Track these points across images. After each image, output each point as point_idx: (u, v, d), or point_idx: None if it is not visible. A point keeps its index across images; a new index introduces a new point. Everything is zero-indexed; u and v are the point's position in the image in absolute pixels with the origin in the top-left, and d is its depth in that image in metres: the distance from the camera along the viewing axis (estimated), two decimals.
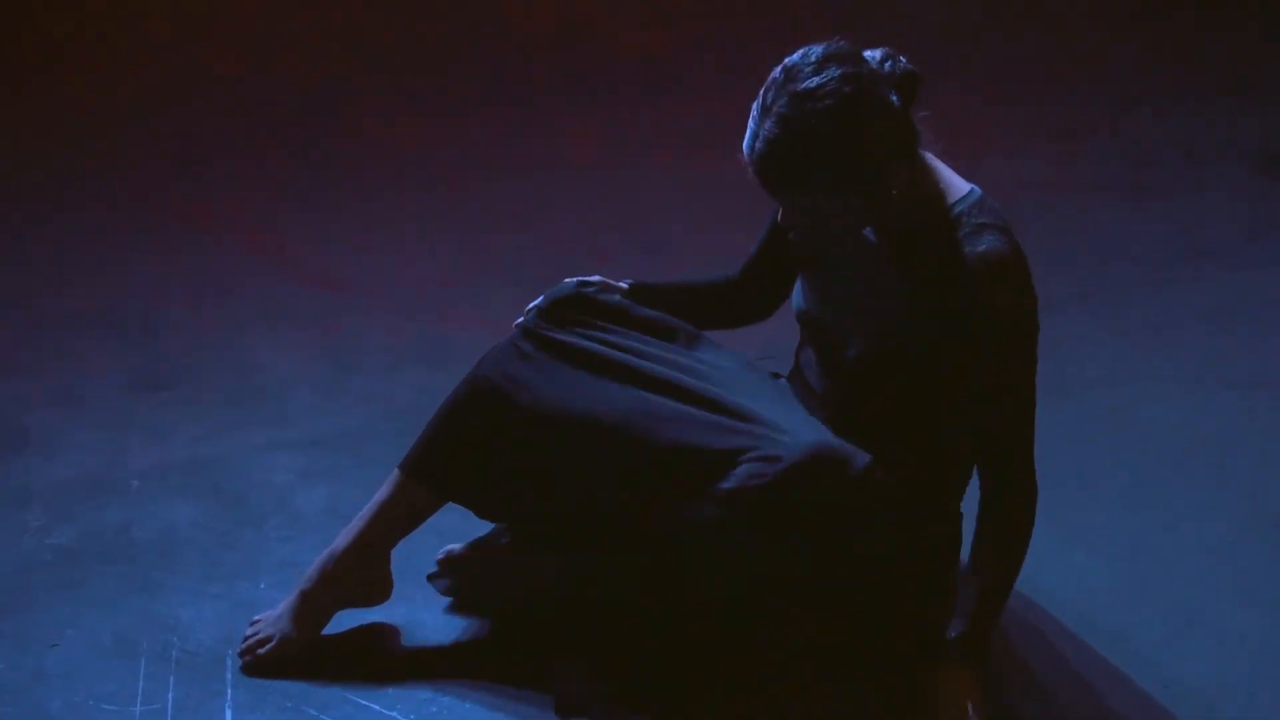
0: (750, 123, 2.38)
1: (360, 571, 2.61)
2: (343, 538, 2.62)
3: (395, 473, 2.63)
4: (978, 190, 2.51)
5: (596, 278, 2.70)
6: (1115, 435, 3.32)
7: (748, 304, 2.82)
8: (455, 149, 5.07)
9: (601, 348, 2.52)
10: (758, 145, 2.35)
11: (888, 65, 2.41)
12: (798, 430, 2.38)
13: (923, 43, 5.84)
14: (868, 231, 2.49)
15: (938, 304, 2.40)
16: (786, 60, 2.39)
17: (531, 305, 2.63)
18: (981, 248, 2.38)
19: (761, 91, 2.37)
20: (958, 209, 2.44)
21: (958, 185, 2.50)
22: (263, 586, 2.81)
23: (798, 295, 2.64)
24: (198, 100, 5.36)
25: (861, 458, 2.35)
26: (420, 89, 5.51)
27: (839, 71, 2.33)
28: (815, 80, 2.32)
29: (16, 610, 2.73)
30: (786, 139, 2.32)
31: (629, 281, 2.74)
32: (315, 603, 2.60)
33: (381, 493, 2.62)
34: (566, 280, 2.65)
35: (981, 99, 5.37)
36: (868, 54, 2.40)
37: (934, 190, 2.47)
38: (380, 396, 3.52)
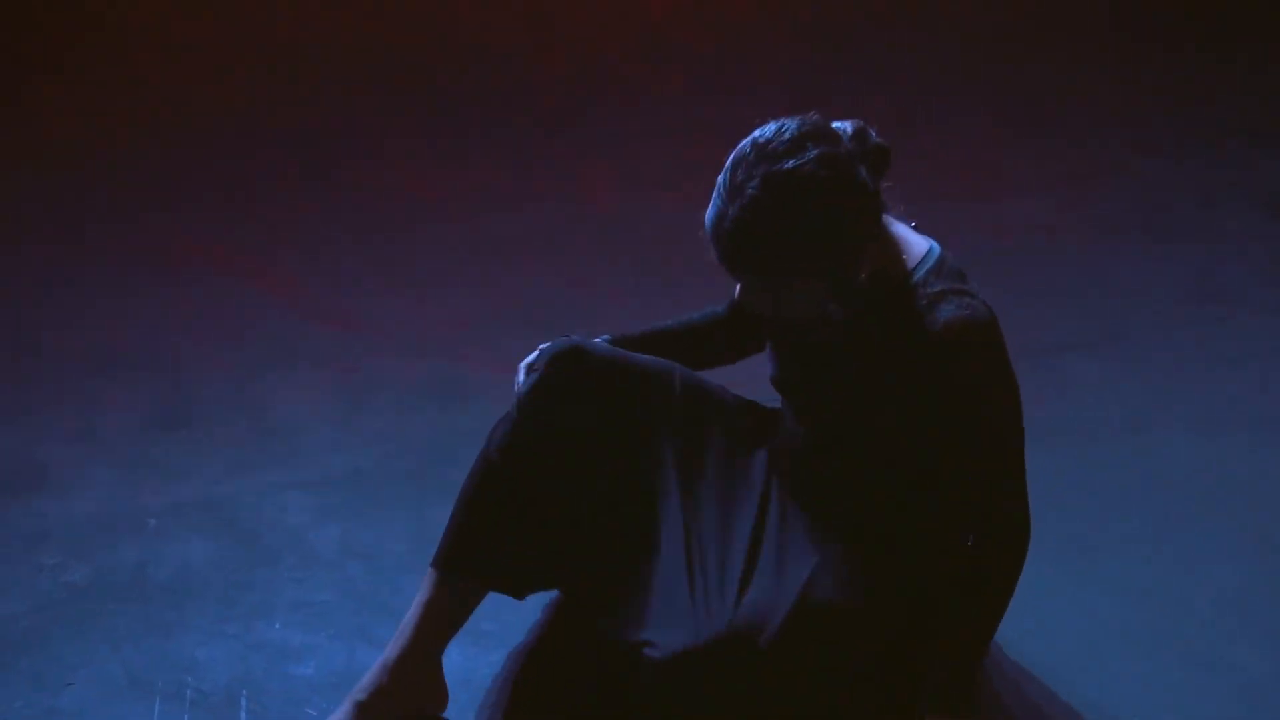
0: (715, 199, 2.28)
1: (414, 679, 2.51)
2: (392, 647, 2.52)
3: (430, 572, 2.54)
4: (936, 249, 2.44)
5: (576, 337, 2.63)
6: (1129, 478, 3.32)
7: (740, 339, 2.77)
8: (468, 187, 5.09)
9: (589, 433, 2.49)
10: (726, 225, 2.25)
11: (860, 141, 2.32)
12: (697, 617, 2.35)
13: (938, 81, 5.87)
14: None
15: (905, 378, 2.35)
16: (757, 134, 2.30)
17: (527, 363, 2.57)
18: (942, 318, 2.32)
19: (730, 166, 2.28)
20: (917, 275, 2.37)
21: (916, 247, 2.43)
22: (278, 626, 2.81)
23: (769, 361, 2.58)
24: (211, 139, 5.38)
25: (771, 626, 2.31)
26: (434, 127, 5.53)
27: (816, 152, 2.24)
28: (791, 162, 2.23)
29: (31, 648, 2.74)
30: (759, 223, 2.23)
31: (607, 336, 2.68)
32: (371, 716, 2.51)
33: (421, 594, 2.53)
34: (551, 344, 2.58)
35: (994, 139, 5.38)
36: (838, 126, 2.33)
37: (893, 257, 2.39)
38: (394, 436, 3.53)
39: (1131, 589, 2.91)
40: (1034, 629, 2.77)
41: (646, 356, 2.61)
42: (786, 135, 2.26)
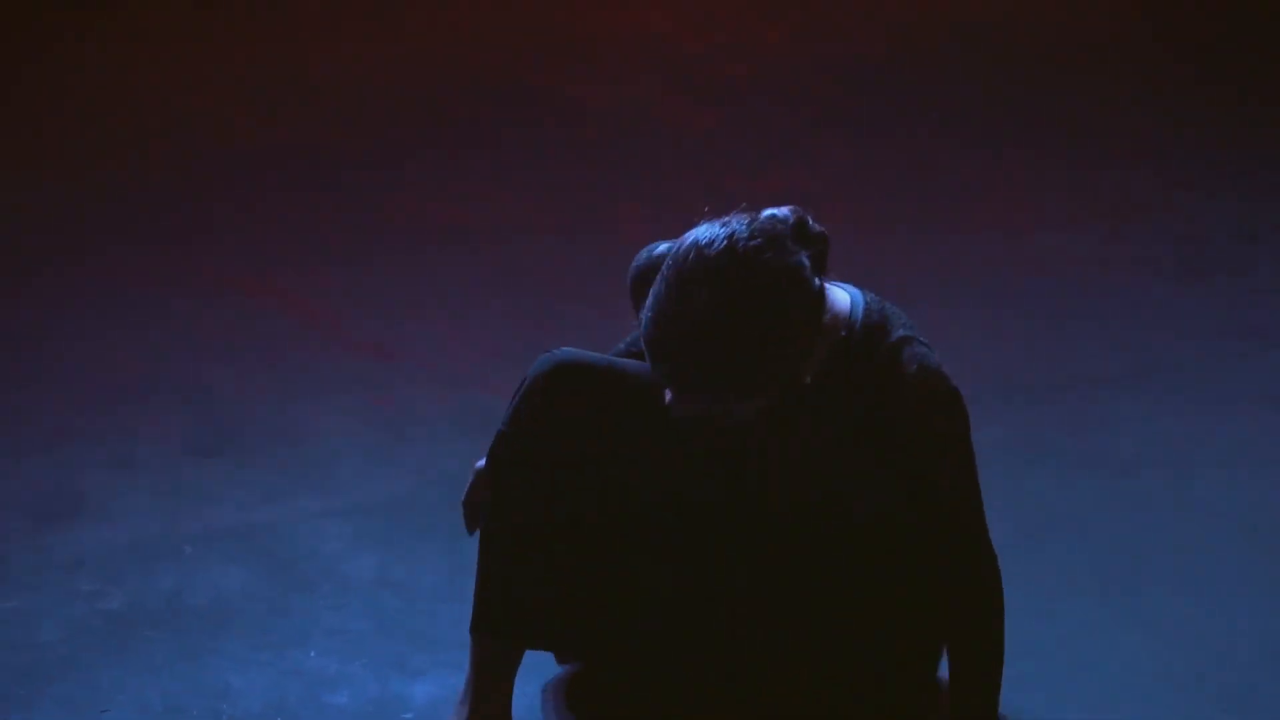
0: (654, 300, 2.11)
1: None
2: (458, 713, 2.45)
3: (471, 638, 2.46)
4: (858, 295, 2.31)
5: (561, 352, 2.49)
6: (1167, 515, 3.29)
7: None
8: (504, 216, 5.11)
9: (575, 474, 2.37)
10: (669, 344, 2.09)
11: (802, 235, 2.17)
12: None
13: (972, 113, 5.86)
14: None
15: (870, 439, 2.24)
16: (698, 236, 2.12)
17: (517, 392, 2.45)
18: (911, 371, 2.22)
19: (673, 279, 2.10)
20: (858, 329, 2.25)
21: (839, 302, 2.28)
22: (312, 654, 2.81)
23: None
24: (247, 164, 5.41)
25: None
26: (470, 156, 5.55)
27: (768, 259, 2.09)
28: (741, 274, 2.07)
29: (66, 675, 2.74)
30: (705, 342, 2.08)
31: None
32: None
33: (469, 663, 2.46)
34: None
35: (1032, 173, 5.37)
36: (779, 214, 2.17)
37: (829, 326, 2.24)
38: (429, 465, 3.53)
39: (1170, 628, 2.89)
40: (1069, 667, 2.75)
41: (636, 364, 2.42)
42: (738, 239, 2.10)
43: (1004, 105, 5.97)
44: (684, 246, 2.13)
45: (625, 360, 2.42)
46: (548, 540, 2.39)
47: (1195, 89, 6.24)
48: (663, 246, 2.36)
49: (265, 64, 6.35)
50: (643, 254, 2.45)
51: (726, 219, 2.14)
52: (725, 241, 2.10)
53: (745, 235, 2.11)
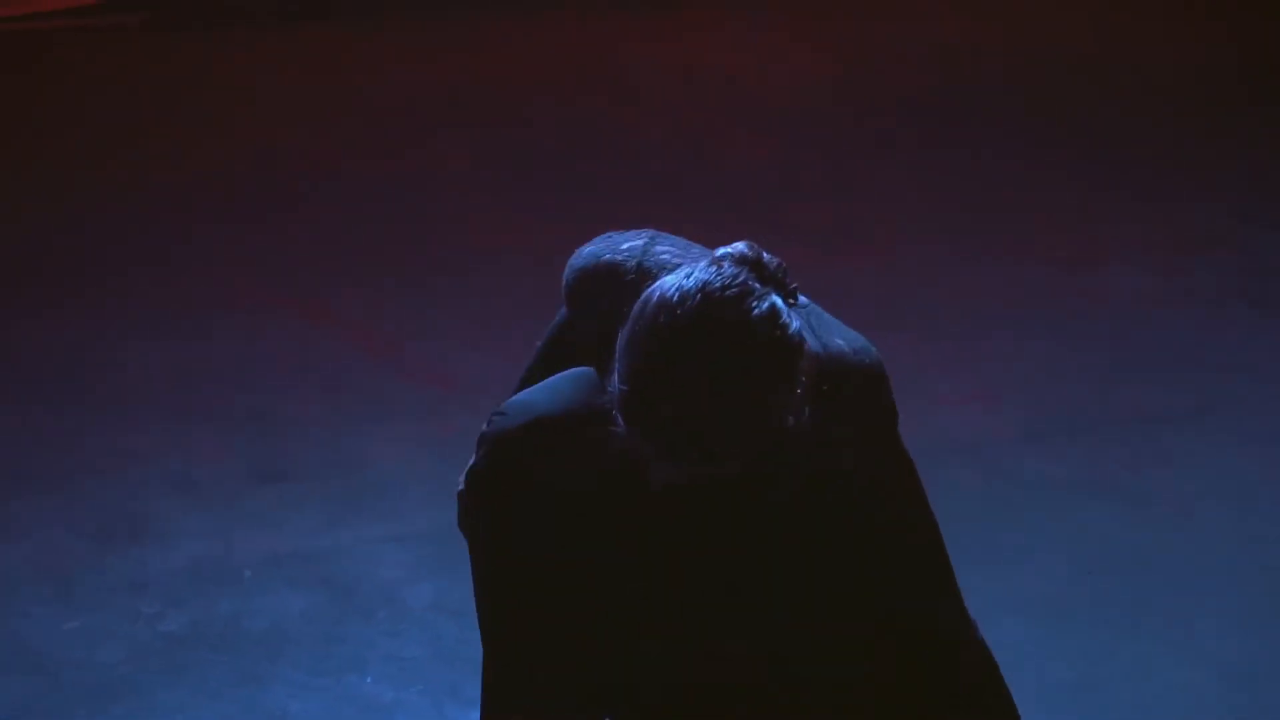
0: (632, 368, 1.92)
1: None
2: None
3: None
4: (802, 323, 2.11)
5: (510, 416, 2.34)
6: (1231, 552, 3.26)
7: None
8: (565, 248, 5.12)
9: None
10: (661, 415, 1.90)
11: (761, 271, 1.99)
12: None
13: (1036, 147, 5.84)
14: None
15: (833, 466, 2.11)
16: (666, 293, 1.92)
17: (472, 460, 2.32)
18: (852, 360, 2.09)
19: (644, 334, 1.91)
20: (824, 361, 2.09)
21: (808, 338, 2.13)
22: (370, 680, 2.82)
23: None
24: (309, 193, 5.46)
25: None
26: (531, 188, 5.58)
27: (751, 307, 1.91)
28: (728, 329, 1.90)
29: (127, 697, 2.77)
30: (701, 408, 1.90)
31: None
32: None
33: None
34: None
35: (1096, 206, 5.34)
36: (739, 253, 1.99)
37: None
38: None
39: (1233, 666, 2.86)
40: (1131, 707, 2.72)
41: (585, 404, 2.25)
42: (715, 297, 1.92)
43: (1066, 138, 5.95)
44: (652, 305, 1.93)
45: (581, 406, 2.24)
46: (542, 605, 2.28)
47: (1263, 122, 6.19)
48: (607, 256, 2.23)
49: (323, 87, 6.42)
50: (586, 256, 2.28)
51: (688, 269, 1.97)
52: (700, 296, 1.92)
53: (719, 285, 1.94)
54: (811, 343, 2.06)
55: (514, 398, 2.33)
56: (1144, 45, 6.96)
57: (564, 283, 2.34)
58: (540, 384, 2.32)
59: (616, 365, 1.96)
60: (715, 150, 5.91)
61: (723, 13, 7.39)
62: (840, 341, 2.14)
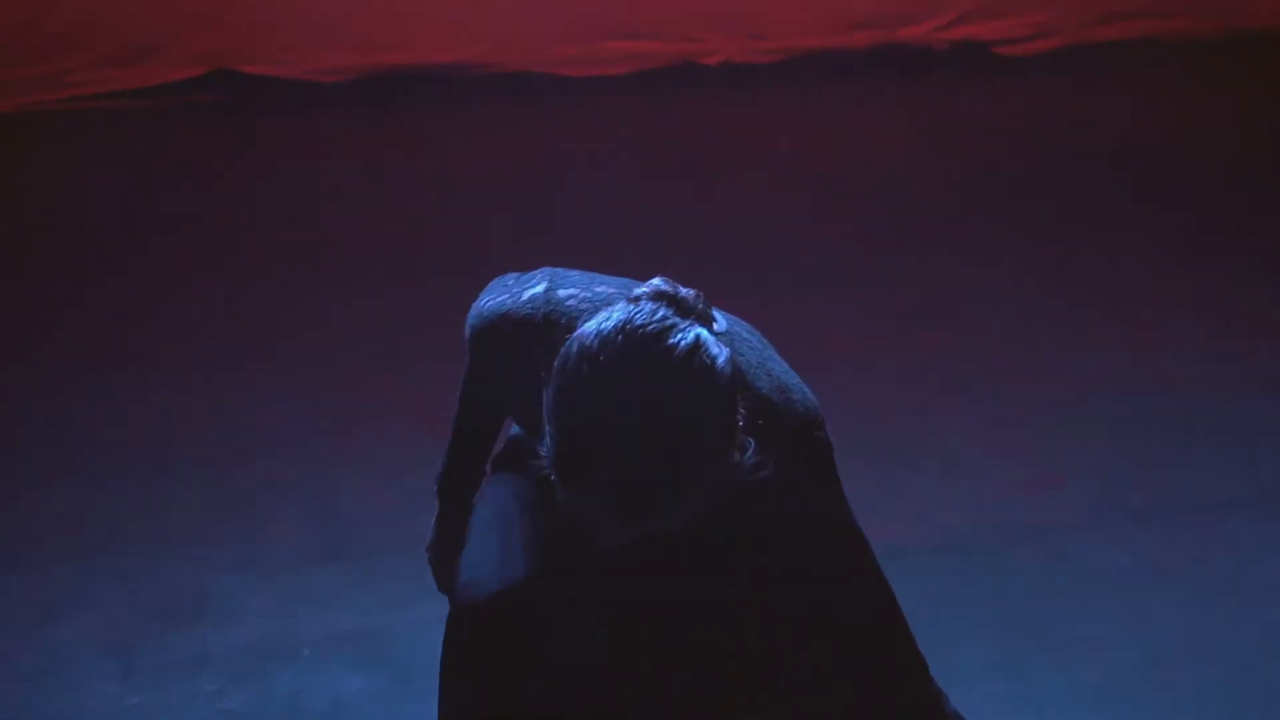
0: (564, 429, 1.82)
1: None
2: None
3: None
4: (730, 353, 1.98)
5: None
6: None
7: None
8: None
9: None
10: (603, 475, 1.80)
11: (682, 305, 1.90)
12: None
13: (1096, 231, 5.81)
14: None
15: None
16: (586, 343, 1.83)
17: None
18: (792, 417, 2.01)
19: (574, 389, 1.82)
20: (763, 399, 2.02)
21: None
22: None
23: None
24: (373, 267, 5.50)
25: None
26: (589, 264, 5.60)
27: (677, 344, 1.83)
28: (666, 374, 1.81)
29: None
30: (649, 462, 1.80)
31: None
32: None
33: None
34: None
35: (1160, 291, 5.30)
36: (657, 290, 1.91)
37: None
38: None
39: None
40: None
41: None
42: (647, 342, 1.83)
43: (1130, 223, 5.93)
44: (573, 357, 1.84)
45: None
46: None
47: None
48: (510, 307, 2.14)
49: (391, 165, 6.49)
50: (488, 313, 2.18)
51: (605, 313, 1.87)
52: (621, 338, 1.83)
53: (640, 324, 1.85)
54: (747, 371, 1.99)
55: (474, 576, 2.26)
56: (1200, 130, 6.95)
57: (467, 341, 2.23)
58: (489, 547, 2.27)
59: (546, 427, 1.85)
60: (781, 228, 5.93)
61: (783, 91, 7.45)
62: (771, 375, 2.05)
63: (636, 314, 1.85)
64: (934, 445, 4.16)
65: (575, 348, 1.84)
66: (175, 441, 4.25)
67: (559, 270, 2.18)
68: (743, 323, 2.17)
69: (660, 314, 1.86)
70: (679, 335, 1.84)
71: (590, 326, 1.86)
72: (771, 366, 2.10)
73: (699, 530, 1.98)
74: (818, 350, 4.87)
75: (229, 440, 4.27)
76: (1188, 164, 6.53)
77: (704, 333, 1.87)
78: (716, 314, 1.99)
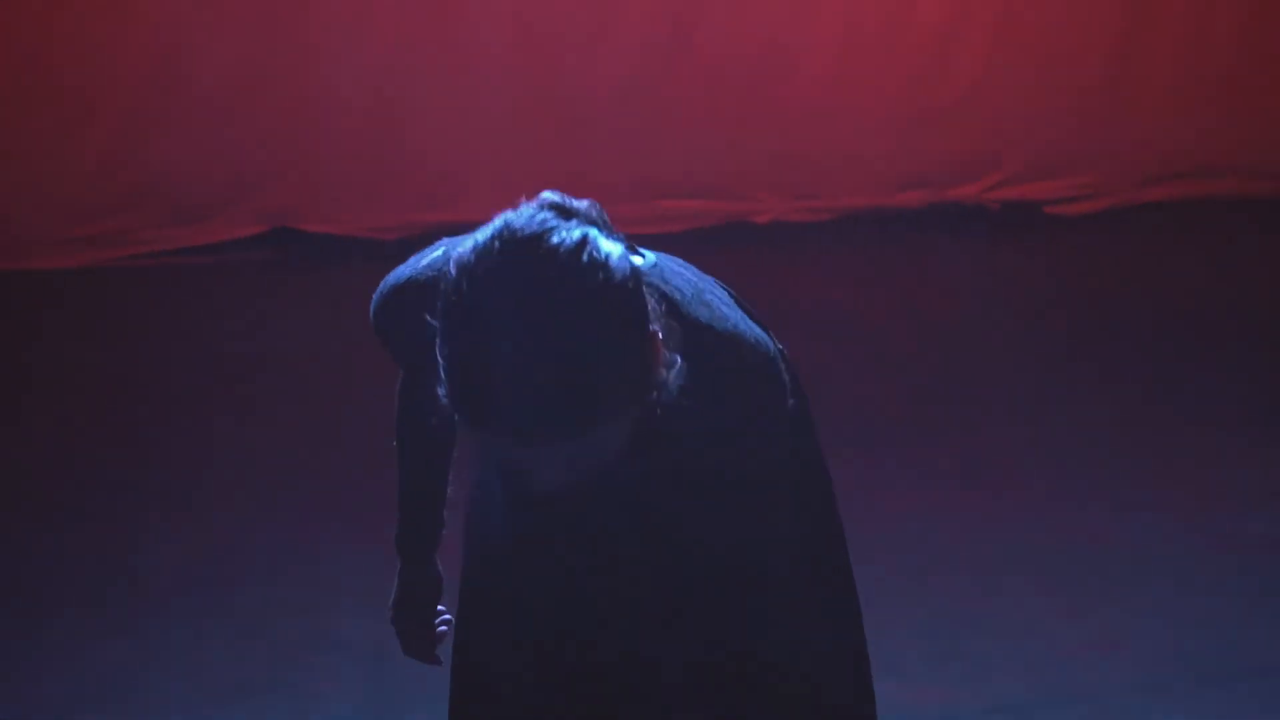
0: (447, 354, 1.68)
1: None
2: None
3: None
4: (650, 264, 1.88)
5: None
6: None
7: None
8: None
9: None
10: (492, 403, 1.65)
11: (573, 211, 1.76)
12: None
13: (1150, 391, 5.79)
14: None
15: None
16: (461, 256, 1.70)
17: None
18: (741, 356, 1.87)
19: (448, 312, 1.69)
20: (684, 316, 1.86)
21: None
22: None
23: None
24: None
25: None
26: None
27: (575, 243, 1.69)
28: (545, 278, 1.67)
29: None
30: (572, 369, 1.65)
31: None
32: None
33: None
34: None
35: (1215, 453, 5.27)
36: (550, 202, 1.77)
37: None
38: None
39: None
40: None
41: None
42: (529, 231, 1.69)
43: (1188, 380, 5.91)
44: (451, 278, 1.70)
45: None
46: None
47: None
48: (408, 274, 2.03)
49: None
50: (389, 283, 2.08)
51: (483, 228, 1.73)
52: (498, 244, 1.70)
53: (516, 228, 1.71)
54: (664, 290, 1.84)
55: None
56: (1259, 292, 6.95)
57: (371, 316, 2.11)
58: None
59: (440, 367, 1.70)
60: (831, 383, 5.94)
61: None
62: (710, 306, 1.90)
63: (515, 219, 1.72)
64: (991, 605, 4.12)
65: (453, 268, 1.71)
66: (229, 587, 4.26)
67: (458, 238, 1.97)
68: (681, 262, 2.00)
69: (540, 216, 1.72)
70: (563, 234, 1.70)
71: (468, 243, 1.73)
72: (711, 299, 1.94)
73: (638, 473, 1.82)
74: (869, 509, 4.87)
75: (270, 587, 4.26)
76: (1243, 322, 6.52)
77: (592, 231, 1.72)
78: (644, 251, 1.89)
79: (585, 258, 1.68)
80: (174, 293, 6.81)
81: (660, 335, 1.74)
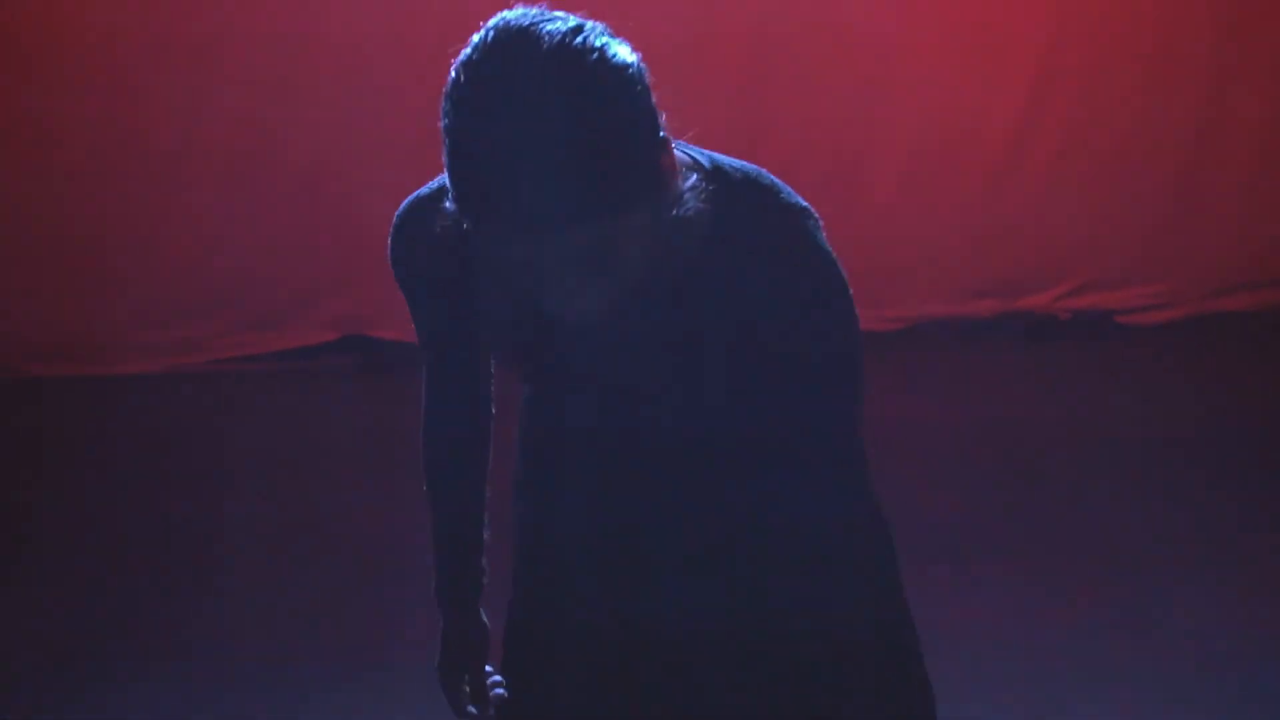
0: (455, 162, 1.68)
1: None
2: None
3: None
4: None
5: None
6: None
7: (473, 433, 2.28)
8: None
9: None
10: (507, 204, 1.64)
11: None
12: None
13: (1243, 519, 5.70)
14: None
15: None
16: (459, 60, 1.71)
17: None
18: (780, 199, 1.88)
19: (452, 114, 1.69)
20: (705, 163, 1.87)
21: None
22: None
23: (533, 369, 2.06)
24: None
25: None
26: None
27: (570, 28, 1.70)
28: (541, 58, 1.66)
29: None
30: (573, 147, 1.63)
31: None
32: None
33: None
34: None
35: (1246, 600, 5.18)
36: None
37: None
38: None
39: None
40: None
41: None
42: (524, 20, 1.71)
43: (1270, 497, 5.83)
44: (450, 80, 1.71)
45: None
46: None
47: None
48: (420, 191, 2.04)
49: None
50: (399, 209, 2.09)
51: (490, 23, 1.73)
52: (492, 34, 1.71)
53: (511, 19, 1.73)
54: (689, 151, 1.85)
55: None
56: None
57: (391, 264, 2.16)
58: None
59: (448, 180, 1.71)
60: (899, 497, 5.89)
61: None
62: (731, 161, 1.90)
63: (510, 14, 1.74)
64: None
65: (453, 68, 1.72)
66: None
67: None
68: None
69: (535, 11, 1.73)
70: (557, 23, 1.71)
71: (496, 30, 1.73)
72: (730, 159, 1.93)
73: (680, 334, 1.84)
74: (935, 622, 4.80)
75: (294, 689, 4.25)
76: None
77: (590, 22, 1.74)
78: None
79: (580, 40, 1.68)
80: (247, 398, 6.88)
81: (672, 144, 1.74)
